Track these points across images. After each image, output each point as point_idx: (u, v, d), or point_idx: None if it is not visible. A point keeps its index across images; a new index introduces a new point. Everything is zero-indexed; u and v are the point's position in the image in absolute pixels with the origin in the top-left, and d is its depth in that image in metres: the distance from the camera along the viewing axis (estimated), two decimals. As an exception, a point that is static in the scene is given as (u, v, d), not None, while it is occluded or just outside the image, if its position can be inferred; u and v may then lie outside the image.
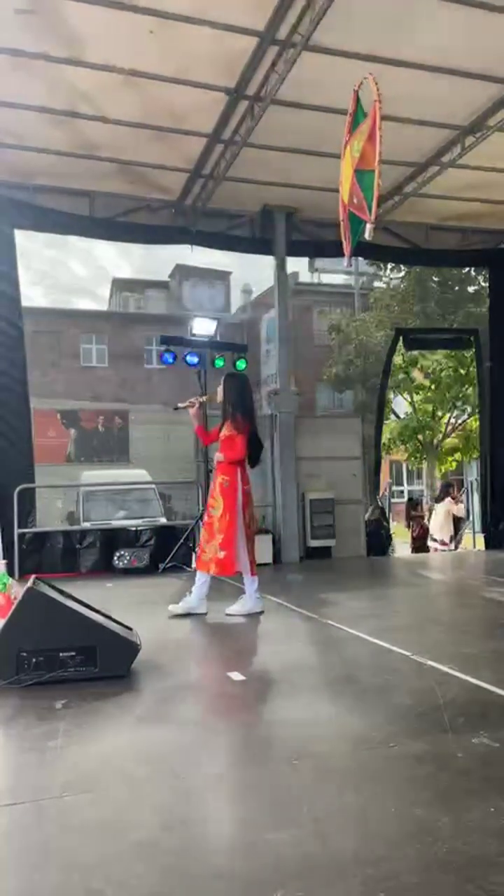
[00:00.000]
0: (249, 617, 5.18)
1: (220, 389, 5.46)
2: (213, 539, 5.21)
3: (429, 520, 12.03)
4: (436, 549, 10.79)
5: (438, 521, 10.95)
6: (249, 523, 5.34)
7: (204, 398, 5.73)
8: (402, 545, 12.94)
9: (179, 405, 5.78)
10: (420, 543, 12.03)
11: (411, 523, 12.69)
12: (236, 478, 5.27)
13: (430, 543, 11.17)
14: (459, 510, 11.16)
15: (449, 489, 11.40)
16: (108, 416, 25.14)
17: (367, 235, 4.77)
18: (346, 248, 5.28)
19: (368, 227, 4.67)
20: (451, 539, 11.03)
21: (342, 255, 5.46)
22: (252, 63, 6.27)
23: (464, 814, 1.99)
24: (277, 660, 4.18)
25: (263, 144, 7.58)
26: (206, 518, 5.44)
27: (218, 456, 5.33)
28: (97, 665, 3.43)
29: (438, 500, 11.35)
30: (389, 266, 19.37)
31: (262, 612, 5.24)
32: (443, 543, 10.81)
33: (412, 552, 11.95)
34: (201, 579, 5.29)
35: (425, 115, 7.20)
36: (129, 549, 8.39)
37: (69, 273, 61.65)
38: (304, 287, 28.29)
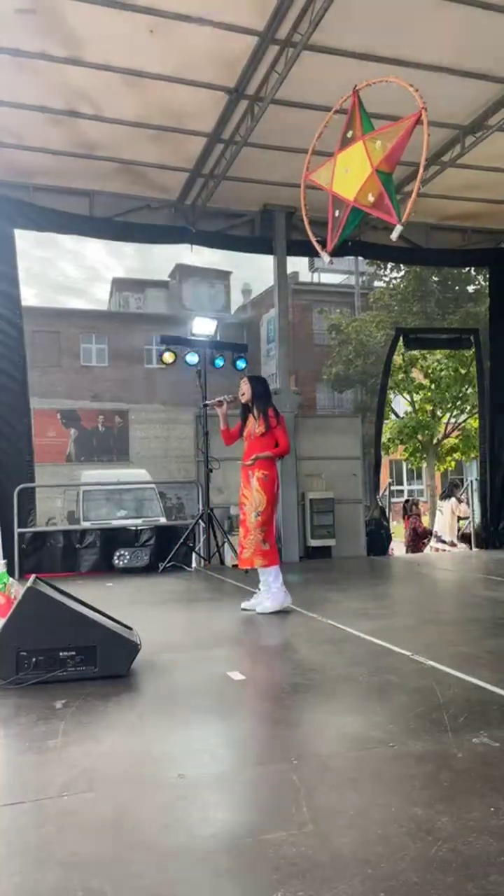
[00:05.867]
0: (251, 616, 5.19)
1: (245, 389, 5.52)
2: (249, 534, 5.29)
3: (430, 520, 12.03)
4: (445, 550, 10.75)
5: (446, 521, 10.92)
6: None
7: (230, 397, 5.78)
8: (399, 545, 12.91)
9: (208, 402, 5.83)
10: (416, 543, 12.04)
11: (408, 520, 12.69)
12: (275, 471, 5.40)
13: (435, 545, 11.14)
14: (464, 510, 11.17)
15: (454, 488, 11.40)
16: (108, 415, 25.14)
17: (392, 237, 4.80)
18: (329, 244, 5.24)
19: (398, 228, 4.69)
20: (458, 538, 11.05)
21: (340, 254, 5.43)
22: (252, 63, 6.27)
23: (464, 814, 1.99)
24: (277, 659, 4.18)
25: (263, 144, 7.58)
26: (240, 515, 5.49)
27: (264, 453, 5.35)
28: (97, 665, 3.43)
29: (443, 497, 11.33)
30: (389, 266, 19.38)
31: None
32: (452, 545, 10.79)
33: (406, 552, 11.95)
34: (272, 574, 5.29)
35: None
36: (129, 548, 8.40)
37: (61, 273, 61.63)
38: (304, 287, 28.32)
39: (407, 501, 13.49)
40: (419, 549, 11.72)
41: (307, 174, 5.44)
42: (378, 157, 4.73)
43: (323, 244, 5.38)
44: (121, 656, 3.52)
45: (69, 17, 5.66)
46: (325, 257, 5.50)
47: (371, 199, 4.80)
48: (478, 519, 11.00)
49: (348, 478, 9.51)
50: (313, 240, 5.40)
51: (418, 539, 12.00)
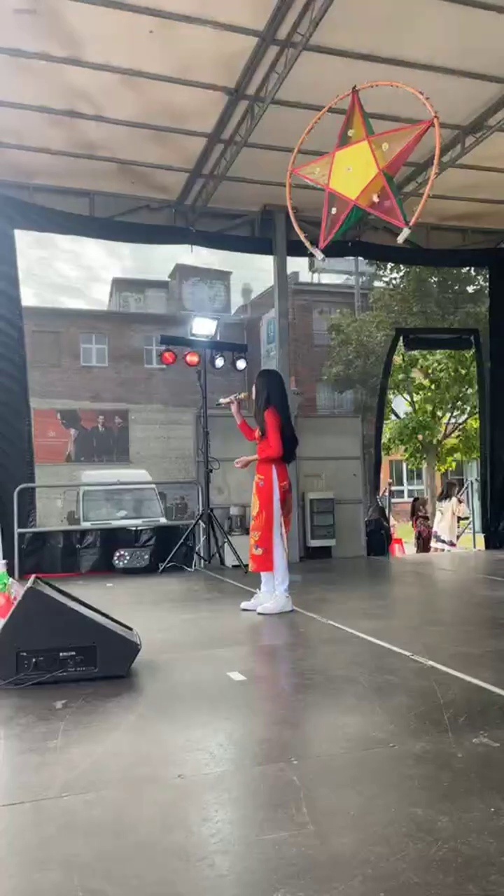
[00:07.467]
0: (251, 616, 5.19)
1: (254, 388, 5.51)
2: (249, 538, 5.39)
3: (433, 520, 12.03)
4: (444, 550, 10.77)
5: (446, 522, 10.93)
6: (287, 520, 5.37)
7: (243, 395, 5.80)
8: (409, 546, 12.85)
9: (221, 401, 5.90)
10: (423, 543, 12.04)
11: (416, 521, 12.68)
12: (271, 476, 5.31)
13: (435, 544, 11.15)
14: (463, 510, 11.18)
15: (453, 487, 11.42)
16: (108, 415, 25.15)
17: (399, 240, 4.81)
18: (323, 241, 5.22)
19: (405, 231, 4.69)
20: (458, 539, 11.07)
21: (340, 254, 5.42)
22: (252, 63, 6.27)
23: (464, 814, 1.99)
24: (277, 659, 4.19)
25: (263, 145, 7.57)
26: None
27: (251, 457, 5.45)
28: (97, 665, 3.43)
29: (442, 497, 11.34)
30: (389, 266, 19.38)
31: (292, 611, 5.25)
32: (451, 544, 10.81)
33: (417, 552, 11.95)
34: (279, 576, 5.29)
35: (425, 114, 7.19)
36: (129, 549, 8.39)
37: (60, 273, 61.45)
38: (304, 287, 28.31)
39: (416, 500, 13.49)
40: (427, 550, 11.74)
41: (294, 168, 5.44)
42: (385, 160, 4.74)
43: (314, 241, 5.37)
44: (121, 656, 3.51)
45: (69, 17, 5.66)
46: (318, 254, 5.48)
47: (375, 199, 4.80)
48: (478, 519, 11.00)
49: (348, 478, 9.51)
50: (301, 235, 5.40)
51: (425, 543, 12.02)
